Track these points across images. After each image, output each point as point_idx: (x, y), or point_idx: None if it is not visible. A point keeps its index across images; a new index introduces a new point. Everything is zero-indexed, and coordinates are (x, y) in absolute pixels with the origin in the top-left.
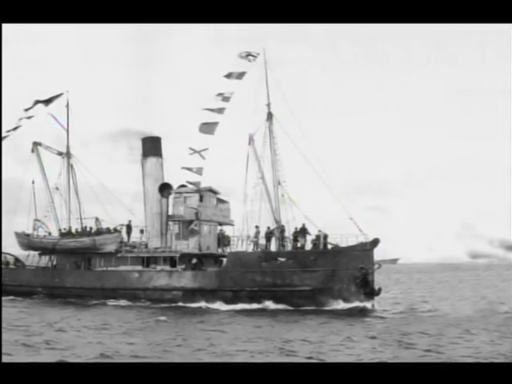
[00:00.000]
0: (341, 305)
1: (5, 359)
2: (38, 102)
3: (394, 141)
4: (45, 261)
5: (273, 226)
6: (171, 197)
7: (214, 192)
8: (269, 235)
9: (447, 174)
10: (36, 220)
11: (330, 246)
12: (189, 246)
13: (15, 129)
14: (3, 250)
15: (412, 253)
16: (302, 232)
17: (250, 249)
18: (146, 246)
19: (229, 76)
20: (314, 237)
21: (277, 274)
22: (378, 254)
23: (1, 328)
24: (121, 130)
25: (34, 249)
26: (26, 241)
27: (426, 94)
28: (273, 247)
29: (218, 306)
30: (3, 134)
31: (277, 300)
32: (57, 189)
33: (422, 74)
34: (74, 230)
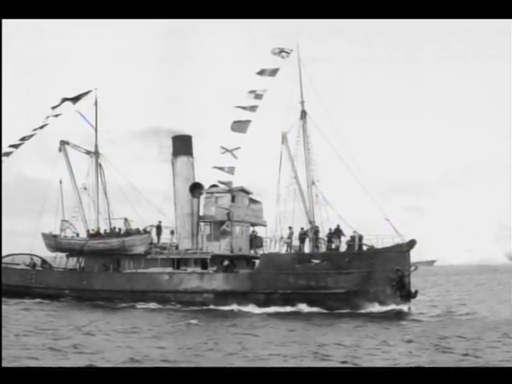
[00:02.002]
0: (376, 308)
1: (32, 363)
2: (65, 99)
3: (430, 140)
4: (72, 262)
5: (306, 226)
6: (202, 197)
7: (247, 192)
8: (302, 236)
9: (485, 174)
10: (63, 221)
11: (365, 248)
12: (220, 247)
13: (42, 127)
14: (30, 252)
15: (449, 254)
16: (337, 233)
17: (284, 250)
18: (177, 247)
19: (261, 73)
20: (348, 238)
21: (311, 276)
22: (415, 255)
23: (1, 330)
24: (150, 129)
25: (62, 250)
26: (54, 242)
27: (463, 92)
28: (307, 248)
29: (251, 308)
30: (30, 133)
31: (311, 303)
32: (85, 189)
33: (460, 71)
34: (102, 231)
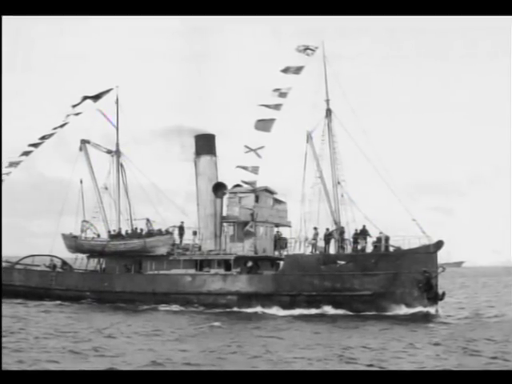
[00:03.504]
0: (403, 310)
1: (52, 367)
2: (86, 97)
3: (459, 139)
4: (93, 264)
5: (332, 227)
6: (225, 197)
7: (271, 192)
8: (328, 237)
9: None
10: (84, 221)
11: (391, 249)
12: (244, 248)
13: (62, 126)
14: (50, 253)
15: (477, 255)
16: (363, 234)
17: (308, 251)
18: (199, 248)
19: (286, 70)
20: (374, 239)
21: (336, 277)
22: (442, 256)
23: (1, 333)
24: (173, 127)
25: (82, 251)
26: (74, 243)
27: (493, 91)
28: (332, 250)
29: (275, 311)
30: (50, 131)
31: (336, 305)
32: (106, 188)
33: (488, 68)
34: (123, 232)
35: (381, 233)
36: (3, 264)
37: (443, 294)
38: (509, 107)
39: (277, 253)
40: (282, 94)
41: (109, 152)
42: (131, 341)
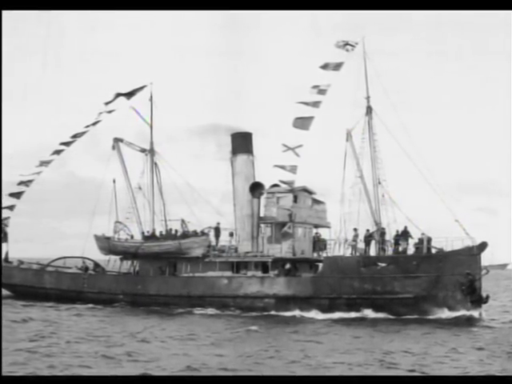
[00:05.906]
0: (446, 313)
1: (84, 372)
2: (119, 94)
3: (503, 136)
4: (127, 266)
5: (372, 228)
6: (263, 197)
7: (309, 192)
8: (368, 238)
9: None
10: (117, 222)
11: (433, 251)
12: (282, 250)
13: (95, 124)
14: (82, 255)
15: None
16: (404, 235)
17: (348, 253)
18: (236, 250)
19: (325, 67)
20: (416, 240)
21: (377, 280)
22: (486, 258)
23: (1, 335)
24: (209, 126)
25: (115, 253)
26: (107, 244)
27: None
28: (372, 251)
29: (314, 314)
30: (82, 130)
31: (377, 308)
32: (139, 188)
33: None
34: (158, 233)
35: (423, 234)
36: (34, 266)
37: (487, 297)
38: None
39: (315, 254)
40: (321, 91)
41: (142, 151)
42: (165, 345)
